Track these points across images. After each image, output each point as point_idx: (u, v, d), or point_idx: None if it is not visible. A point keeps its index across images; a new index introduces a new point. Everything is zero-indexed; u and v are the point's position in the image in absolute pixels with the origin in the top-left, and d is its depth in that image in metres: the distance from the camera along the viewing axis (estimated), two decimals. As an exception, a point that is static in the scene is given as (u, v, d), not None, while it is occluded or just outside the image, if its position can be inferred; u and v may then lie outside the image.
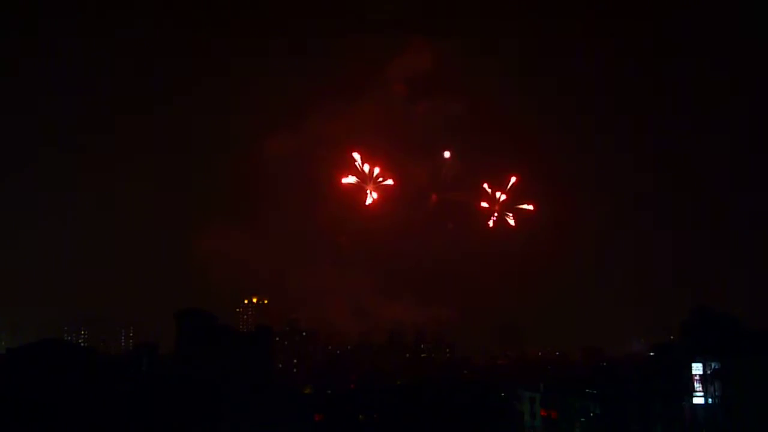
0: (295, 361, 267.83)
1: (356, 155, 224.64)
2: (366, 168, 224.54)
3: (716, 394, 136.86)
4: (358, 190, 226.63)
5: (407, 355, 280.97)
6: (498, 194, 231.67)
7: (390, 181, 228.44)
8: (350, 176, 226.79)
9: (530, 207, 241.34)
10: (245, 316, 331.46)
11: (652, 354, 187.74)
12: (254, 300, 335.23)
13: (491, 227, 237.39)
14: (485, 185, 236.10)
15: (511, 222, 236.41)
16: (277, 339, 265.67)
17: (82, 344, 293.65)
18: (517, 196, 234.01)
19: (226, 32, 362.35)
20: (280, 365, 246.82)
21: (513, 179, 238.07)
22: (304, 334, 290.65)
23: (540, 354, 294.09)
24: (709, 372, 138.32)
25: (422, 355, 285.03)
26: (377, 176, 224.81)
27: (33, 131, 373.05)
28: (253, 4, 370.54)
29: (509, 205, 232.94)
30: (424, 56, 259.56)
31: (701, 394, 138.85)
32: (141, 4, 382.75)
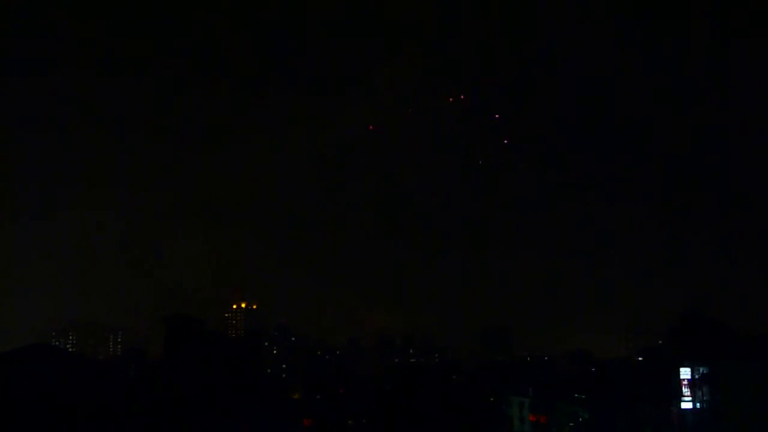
0: (284, 366, 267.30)
1: None
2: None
3: (704, 398, 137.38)
4: None
5: (396, 359, 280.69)
6: None
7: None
8: None
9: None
10: (234, 322, 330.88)
11: (640, 358, 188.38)
12: (243, 305, 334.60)
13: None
14: None
15: None
16: (266, 344, 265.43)
17: (70, 349, 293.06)
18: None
19: (214, 35, 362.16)
20: (269, 370, 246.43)
21: None
22: (293, 339, 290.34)
23: (528, 358, 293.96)
24: (697, 376, 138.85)
25: (411, 360, 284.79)
26: None
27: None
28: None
29: None
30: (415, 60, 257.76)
31: (689, 398, 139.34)
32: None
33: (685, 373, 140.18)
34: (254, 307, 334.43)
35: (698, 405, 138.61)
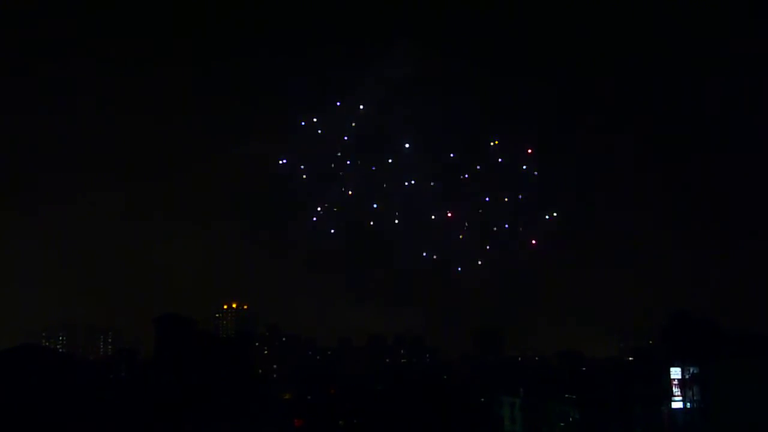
0: (274, 366, 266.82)
1: None
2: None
3: (695, 398, 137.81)
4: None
5: (387, 360, 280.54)
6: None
7: None
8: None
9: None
10: (225, 322, 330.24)
11: (631, 359, 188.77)
12: (234, 305, 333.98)
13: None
14: None
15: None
16: (257, 344, 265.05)
17: (60, 350, 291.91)
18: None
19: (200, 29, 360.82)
20: (260, 370, 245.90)
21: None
22: (283, 339, 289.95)
23: (519, 359, 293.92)
24: (687, 376, 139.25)
25: (402, 360, 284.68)
26: None
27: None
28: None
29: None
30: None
31: (680, 398, 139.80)
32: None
33: (676, 373, 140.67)
34: (245, 307, 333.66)
35: (689, 405, 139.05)
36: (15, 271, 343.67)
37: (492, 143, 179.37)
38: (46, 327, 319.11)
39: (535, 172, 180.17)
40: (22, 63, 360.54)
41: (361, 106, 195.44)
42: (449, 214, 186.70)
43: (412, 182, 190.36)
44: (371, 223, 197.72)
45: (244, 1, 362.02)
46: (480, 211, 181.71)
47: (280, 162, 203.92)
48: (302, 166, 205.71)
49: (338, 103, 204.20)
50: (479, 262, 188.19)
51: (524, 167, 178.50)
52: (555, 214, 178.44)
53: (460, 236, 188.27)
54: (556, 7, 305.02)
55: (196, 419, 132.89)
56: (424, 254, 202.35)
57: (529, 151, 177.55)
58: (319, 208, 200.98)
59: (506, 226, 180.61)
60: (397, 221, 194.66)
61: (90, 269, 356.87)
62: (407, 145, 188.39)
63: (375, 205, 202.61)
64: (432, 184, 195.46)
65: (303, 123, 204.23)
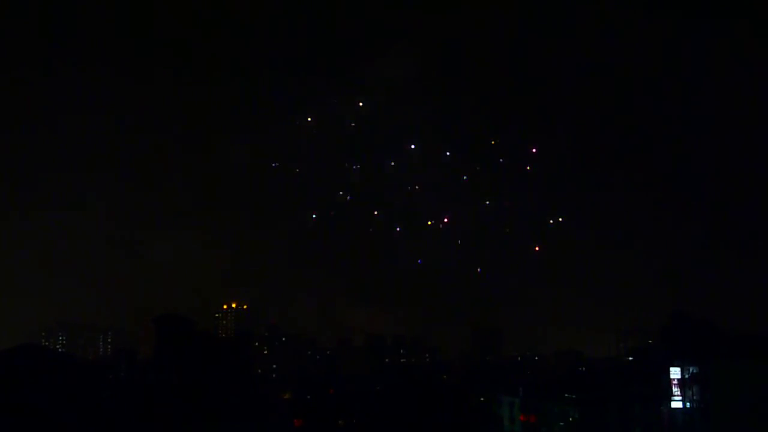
0: (274, 366, 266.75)
1: None
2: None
3: (695, 398, 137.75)
4: None
5: (386, 360, 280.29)
6: None
7: None
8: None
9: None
10: (225, 322, 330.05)
11: (630, 358, 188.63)
12: (233, 305, 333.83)
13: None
14: None
15: None
16: (257, 344, 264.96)
17: (60, 350, 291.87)
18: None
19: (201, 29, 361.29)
20: (260, 371, 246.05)
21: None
22: (283, 339, 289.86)
23: (519, 358, 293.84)
24: (687, 376, 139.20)
25: (401, 360, 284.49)
26: None
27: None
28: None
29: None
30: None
31: (680, 398, 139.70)
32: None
33: (675, 372, 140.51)
34: (245, 307, 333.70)
35: (688, 405, 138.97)
36: (15, 271, 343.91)
37: (493, 142, 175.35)
38: (46, 327, 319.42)
39: (537, 174, 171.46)
40: (20, 65, 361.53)
41: (360, 104, 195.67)
42: (445, 219, 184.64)
43: (416, 187, 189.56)
44: (371, 229, 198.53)
45: (242, 1, 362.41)
46: (479, 215, 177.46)
47: (273, 165, 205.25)
48: (297, 169, 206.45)
49: (335, 101, 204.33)
50: (479, 269, 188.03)
51: (528, 168, 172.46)
52: (561, 219, 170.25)
53: (459, 241, 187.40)
54: (556, 7, 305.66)
55: (195, 419, 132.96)
56: (419, 261, 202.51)
57: (534, 150, 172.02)
58: (314, 215, 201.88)
59: (507, 230, 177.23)
60: (398, 228, 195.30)
61: (90, 269, 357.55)
62: (413, 146, 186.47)
63: (375, 212, 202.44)
64: (429, 186, 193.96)
65: (298, 123, 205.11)
